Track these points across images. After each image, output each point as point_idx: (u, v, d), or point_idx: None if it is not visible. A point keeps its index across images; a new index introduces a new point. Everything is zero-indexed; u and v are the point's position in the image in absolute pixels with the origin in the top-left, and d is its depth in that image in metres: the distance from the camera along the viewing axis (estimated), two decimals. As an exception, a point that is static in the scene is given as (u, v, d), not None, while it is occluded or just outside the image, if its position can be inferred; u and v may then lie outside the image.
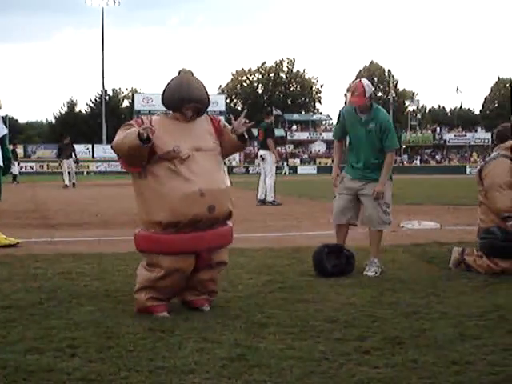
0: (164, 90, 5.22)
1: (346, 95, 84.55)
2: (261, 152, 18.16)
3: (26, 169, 52.59)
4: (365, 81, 7.28)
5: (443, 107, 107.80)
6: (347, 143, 7.64)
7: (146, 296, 5.06)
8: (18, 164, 40.80)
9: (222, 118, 5.54)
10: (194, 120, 5.21)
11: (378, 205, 7.14)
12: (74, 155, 29.55)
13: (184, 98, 5.09)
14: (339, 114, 7.58)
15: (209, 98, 5.28)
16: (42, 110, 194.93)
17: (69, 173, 29.39)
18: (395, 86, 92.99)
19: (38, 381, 3.56)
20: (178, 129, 5.12)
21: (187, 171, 4.96)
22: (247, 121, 5.34)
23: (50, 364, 3.82)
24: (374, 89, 7.43)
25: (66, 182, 28.98)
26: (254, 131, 16.15)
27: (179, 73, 5.27)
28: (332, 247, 7.03)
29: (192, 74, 5.24)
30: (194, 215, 4.92)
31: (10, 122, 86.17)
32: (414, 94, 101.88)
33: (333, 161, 7.75)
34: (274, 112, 56.42)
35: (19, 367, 3.75)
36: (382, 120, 7.20)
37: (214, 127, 5.30)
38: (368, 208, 7.17)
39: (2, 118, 9.05)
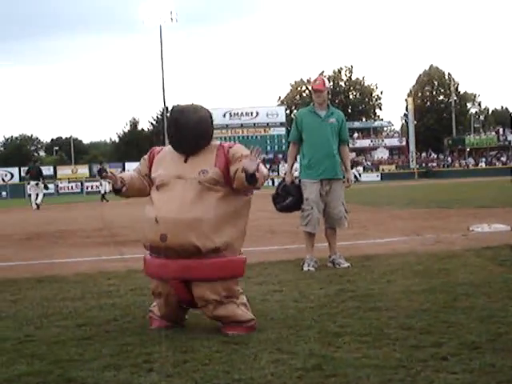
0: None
1: (406, 100, 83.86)
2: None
3: (92, 188, 53.11)
4: (325, 78, 8.68)
5: (506, 108, 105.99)
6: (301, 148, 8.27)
7: (151, 306, 5.32)
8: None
9: (238, 145, 5.19)
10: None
11: (342, 204, 8.08)
12: (41, 178, 30.69)
13: (176, 148, 5.16)
14: (295, 118, 8.39)
15: (205, 130, 5.08)
16: (105, 130, 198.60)
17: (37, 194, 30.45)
18: (456, 89, 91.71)
19: (117, 396, 3.60)
20: (174, 158, 5.14)
21: (157, 198, 5.04)
22: (259, 153, 4.85)
23: (128, 379, 3.86)
24: (330, 88, 8.70)
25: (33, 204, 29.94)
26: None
27: (172, 108, 5.48)
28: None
29: (182, 112, 5.08)
30: (150, 241, 4.99)
31: (74, 143, 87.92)
32: (475, 96, 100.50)
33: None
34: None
35: None
36: (340, 115, 8.27)
37: (219, 155, 5.05)
38: (336, 207, 8.04)
39: None
